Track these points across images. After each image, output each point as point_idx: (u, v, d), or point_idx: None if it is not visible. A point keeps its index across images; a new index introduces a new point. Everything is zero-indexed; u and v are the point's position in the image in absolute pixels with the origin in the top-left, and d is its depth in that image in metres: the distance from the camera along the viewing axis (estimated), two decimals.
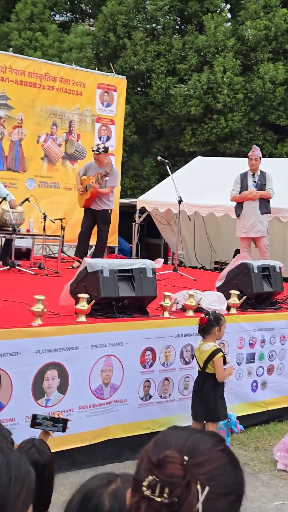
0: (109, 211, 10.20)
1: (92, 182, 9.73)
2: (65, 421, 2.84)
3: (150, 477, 1.17)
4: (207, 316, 5.60)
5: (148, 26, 23.94)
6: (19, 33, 25.31)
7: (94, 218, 10.14)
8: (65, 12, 29.84)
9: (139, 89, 25.06)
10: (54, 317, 5.66)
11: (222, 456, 1.24)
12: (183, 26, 25.13)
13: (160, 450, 1.21)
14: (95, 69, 14.12)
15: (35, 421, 2.84)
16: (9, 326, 5.16)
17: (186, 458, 1.18)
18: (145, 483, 1.17)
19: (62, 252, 10.93)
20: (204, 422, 5.66)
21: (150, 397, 6.03)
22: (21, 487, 1.23)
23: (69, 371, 5.38)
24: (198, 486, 1.16)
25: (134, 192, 22.35)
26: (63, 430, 2.85)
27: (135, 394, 5.91)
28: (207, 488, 1.15)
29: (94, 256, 10.03)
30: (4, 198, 9.10)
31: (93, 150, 10.15)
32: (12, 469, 1.23)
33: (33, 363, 5.16)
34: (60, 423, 2.82)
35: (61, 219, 10.30)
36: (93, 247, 10.64)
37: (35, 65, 12.20)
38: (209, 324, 5.58)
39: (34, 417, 2.84)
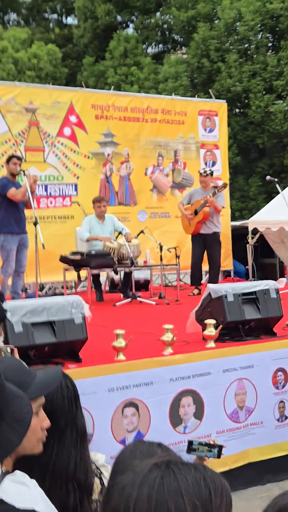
0: (219, 233, 10.27)
1: (209, 196, 9.83)
2: (220, 447, 2.90)
3: None
4: None
5: (240, 47, 24.04)
6: (115, 70, 26.06)
7: (204, 244, 10.21)
8: (157, 44, 30.42)
9: (237, 110, 25.12)
10: (183, 345, 5.75)
11: None
12: (276, 43, 25.05)
13: None
14: (192, 96, 14.33)
15: (190, 447, 2.91)
16: (142, 357, 5.31)
17: None
18: None
19: (180, 280, 11.06)
20: None
21: (286, 417, 5.99)
22: (221, 499, 1.30)
23: (204, 396, 5.43)
24: None
25: (242, 213, 22.32)
26: (218, 456, 2.91)
27: (270, 415, 5.88)
28: None
29: (210, 281, 10.10)
30: (120, 233, 9.36)
31: (199, 173, 10.33)
32: (209, 483, 1.31)
33: (168, 391, 5.26)
34: (215, 448, 2.89)
35: (175, 248, 10.45)
36: (207, 273, 10.72)
37: (137, 100, 12.56)
38: None
39: (190, 443, 2.92)
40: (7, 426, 1.52)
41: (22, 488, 1.76)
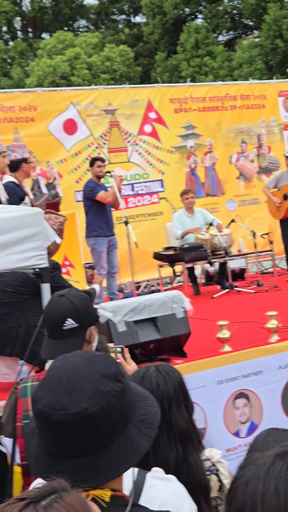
0: None
1: None
2: None
3: None
4: None
5: None
6: (188, 62, 25.91)
7: None
8: (227, 31, 30.07)
9: None
10: None
11: None
12: None
13: None
14: (269, 79, 14.05)
15: None
16: (248, 347, 5.22)
17: None
18: None
19: (276, 266, 10.85)
20: None
21: None
22: None
23: None
24: None
25: None
26: None
27: None
28: None
29: None
30: (211, 224, 9.27)
31: (285, 156, 10.06)
32: None
33: (278, 379, 5.15)
34: None
35: (268, 233, 10.25)
36: None
37: (214, 89, 12.43)
38: None
39: None
40: (135, 429, 1.49)
41: (166, 483, 1.74)
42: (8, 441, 3.68)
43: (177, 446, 2.23)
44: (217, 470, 2.37)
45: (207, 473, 2.33)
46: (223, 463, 2.41)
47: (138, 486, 1.75)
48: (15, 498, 1.06)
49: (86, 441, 1.41)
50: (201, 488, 2.25)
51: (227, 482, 2.34)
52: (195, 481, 2.21)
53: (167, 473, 1.90)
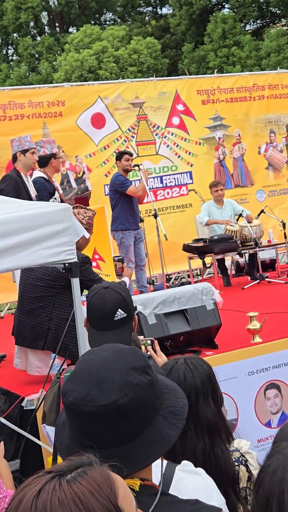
0: None
1: None
2: None
3: None
4: None
5: None
6: (215, 53, 25.79)
7: None
8: (255, 20, 29.84)
9: None
10: None
11: None
12: None
13: None
14: None
15: None
16: (279, 337, 5.22)
17: None
18: None
19: None
20: None
21: None
22: None
23: None
24: None
25: None
26: None
27: None
28: None
29: None
30: (240, 215, 9.26)
31: None
32: None
33: None
34: None
35: None
36: None
37: (242, 80, 12.37)
38: None
39: None
40: (163, 420, 1.52)
41: (195, 477, 1.77)
42: (50, 430, 3.75)
43: (204, 438, 2.27)
44: (246, 460, 2.40)
45: (236, 464, 2.36)
46: (251, 453, 2.44)
47: (167, 479, 1.78)
48: (43, 471, 1.11)
49: (115, 432, 1.45)
50: (229, 479, 2.27)
51: (256, 472, 2.37)
52: (222, 472, 2.24)
53: (195, 464, 1.93)
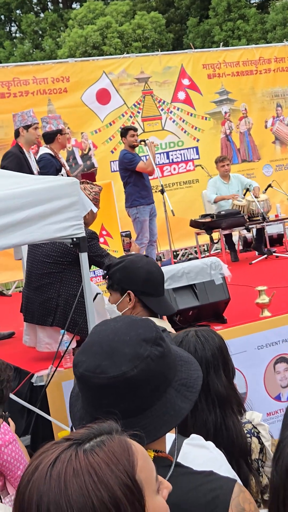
0: None
1: None
2: None
3: None
4: None
5: None
6: (220, 27, 25.52)
7: None
8: None
9: None
10: None
11: None
12: None
13: None
14: None
15: None
16: (287, 311, 5.21)
17: None
18: None
19: None
20: None
21: None
22: None
23: None
24: None
25: None
26: None
27: None
28: None
29: None
30: (248, 189, 9.20)
31: None
32: None
33: None
34: None
35: None
36: None
37: (248, 53, 12.24)
38: None
39: None
40: (176, 392, 1.51)
41: (202, 451, 1.76)
42: None
43: (215, 410, 2.26)
44: (258, 432, 2.39)
45: (248, 435, 2.35)
46: (264, 425, 2.43)
47: (172, 453, 1.77)
48: (63, 438, 1.09)
49: (126, 403, 1.44)
50: (241, 451, 2.27)
51: (268, 444, 2.36)
52: (234, 444, 2.23)
53: (206, 436, 1.91)
